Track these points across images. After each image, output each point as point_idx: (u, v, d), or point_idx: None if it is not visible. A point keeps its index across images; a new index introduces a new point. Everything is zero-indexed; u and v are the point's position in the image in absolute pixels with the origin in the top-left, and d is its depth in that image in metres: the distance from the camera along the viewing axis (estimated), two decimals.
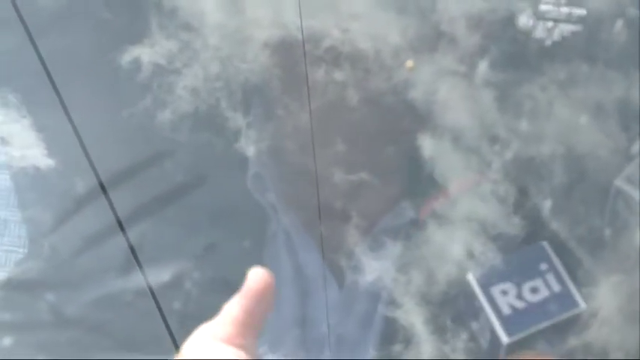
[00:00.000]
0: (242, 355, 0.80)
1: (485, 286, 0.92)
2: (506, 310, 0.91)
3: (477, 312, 0.93)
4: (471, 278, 0.92)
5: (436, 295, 0.93)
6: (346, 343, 1.02)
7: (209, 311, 0.87)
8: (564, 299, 0.92)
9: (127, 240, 0.86)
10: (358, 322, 1.03)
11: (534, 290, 0.92)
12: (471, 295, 0.92)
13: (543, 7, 0.96)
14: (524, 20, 0.96)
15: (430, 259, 0.93)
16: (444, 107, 0.94)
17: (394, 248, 0.97)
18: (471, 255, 0.92)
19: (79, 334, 0.98)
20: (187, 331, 0.87)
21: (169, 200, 1.00)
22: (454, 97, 0.94)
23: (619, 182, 0.91)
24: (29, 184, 1.03)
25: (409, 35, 0.94)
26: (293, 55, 0.93)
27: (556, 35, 0.96)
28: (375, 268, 0.97)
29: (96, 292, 0.97)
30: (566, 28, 0.95)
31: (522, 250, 0.93)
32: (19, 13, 0.85)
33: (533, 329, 0.91)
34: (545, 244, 0.93)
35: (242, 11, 0.96)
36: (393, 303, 0.94)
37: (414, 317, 0.93)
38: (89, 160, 0.83)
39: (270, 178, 1.05)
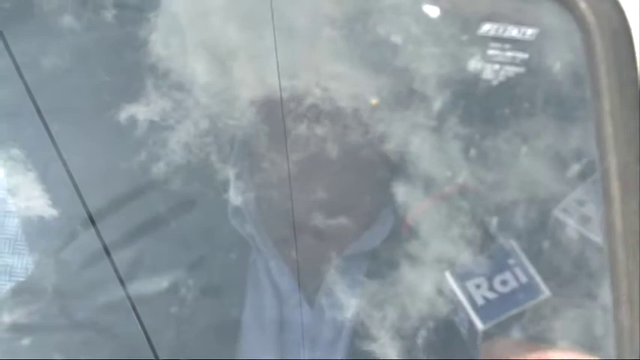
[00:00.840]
0: None
1: (461, 282, 1.02)
2: (480, 301, 1.01)
3: (456, 307, 1.03)
4: (449, 276, 1.02)
5: (409, 329, 1.02)
6: None
7: (202, 314, 0.97)
8: (531, 288, 1.02)
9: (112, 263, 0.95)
10: (328, 347, 1.12)
11: (504, 283, 1.02)
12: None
13: (490, 52, 1.06)
14: (473, 64, 1.06)
15: (403, 296, 1.02)
16: (416, 158, 1.03)
17: (370, 286, 1.07)
18: (440, 292, 1.01)
19: (89, 336, 1.08)
20: (183, 331, 1.00)
21: (164, 222, 1.09)
22: (425, 148, 1.03)
23: (556, 212, 1.03)
24: (35, 231, 1.13)
25: (384, 94, 1.03)
26: (276, 112, 1.01)
27: (502, 76, 1.07)
28: (352, 304, 1.07)
29: (102, 299, 1.06)
30: (511, 70, 1.07)
31: (493, 248, 1.04)
32: (20, 72, 0.94)
33: (504, 316, 1.01)
34: (512, 242, 1.03)
35: (229, 72, 1.05)
36: (368, 337, 1.03)
37: (389, 350, 1.02)
38: (82, 202, 0.92)
39: (252, 217, 1.15)
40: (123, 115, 1.08)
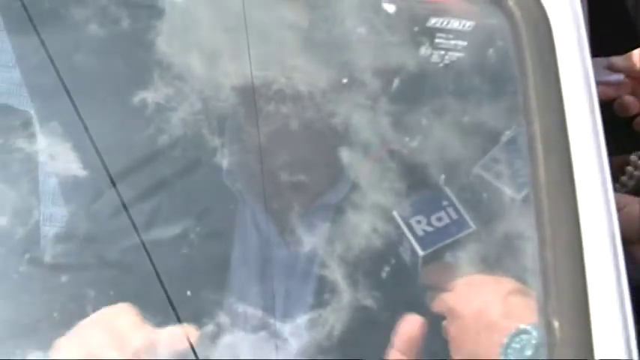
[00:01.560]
0: None
1: (405, 219, 1.26)
2: (420, 233, 1.25)
3: (401, 239, 1.26)
4: (395, 214, 1.26)
5: (366, 259, 1.27)
6: (291, 296, 1.35)
7: (208, 257, 1.23)
8: (460, 223, 1.25)
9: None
10: (300, 278, 1.37)
11: (439, 219, 1.25)
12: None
13: (437, 41, 1.29)
14: (423, 50, 1.30)
15: (361, 234, 1.27)
16: (357, 129, 1.29)
17: (324, 228, 1.34)
18: (375, 231, 1.26)
19: (115, 274, 1.30)
20: (192, 270, 1.24)
21: (171, 182, 1.35)
22: (363, 122, 1.28)
23: (477, 169, 1.26)
24: (70, 187, 1.36)
25: (333, 81, 1.28)
26: (251, 96, 1.27)
27: (446, 60, 1.30)
28: (311, 241, 1.34)
29: (124, 244, 1.29)
30: (454, 55, 1.30)
31: (430, 193, 1.27)
32: (54, 64, 1.17)
33: (439, 245, 1.24)
34: (446, 188, 1.26)
35: (216, 66, 1.30)
36: (323, 265, 1.29)
37: (336, 274, 1.27)
38: (105, 166, 1.16)
39: (240, 177, 1.38)
40: (136, 99, 1.31)
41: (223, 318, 1.24)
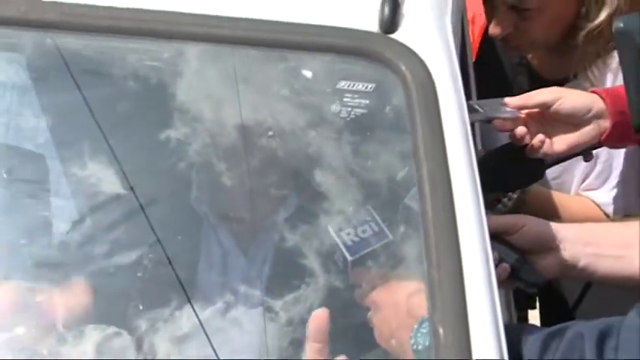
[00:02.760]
0: None
1: (337, 232, 1.49)
2: (349, 242, 1.48)
3: (335, 248, 1.48)
4: (330, 229, 1.49)
5: (306, 264, 1.50)
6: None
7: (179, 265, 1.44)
8: (380, 234, 1.48)
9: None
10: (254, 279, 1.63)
11: (364, 231, 1.48)
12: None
13: (345, 99, 1.50)
14: (334, 107, 1.50)
15: (304, 243, 1.51)
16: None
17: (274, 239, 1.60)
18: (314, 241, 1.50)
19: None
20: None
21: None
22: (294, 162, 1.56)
23: (406, 201, 1.46)
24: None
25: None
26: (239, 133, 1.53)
27: (352, 114, 1.51)
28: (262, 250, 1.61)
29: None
30: (359, 111, 1.50)
31: (357, 212, 1.50)
32: (90, 108, 1.46)
33: (364, 251, 1.47)
34: (370, 208, 1.49)
35: (220, 110, 1.53)
36: (282, 272, 1.57)
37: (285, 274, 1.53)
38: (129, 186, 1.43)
39: (208, 203, 1.64)
40: (162, 135, 1.54)
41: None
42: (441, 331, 1.24)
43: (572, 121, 1.87)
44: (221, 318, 1.48)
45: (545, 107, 1.85)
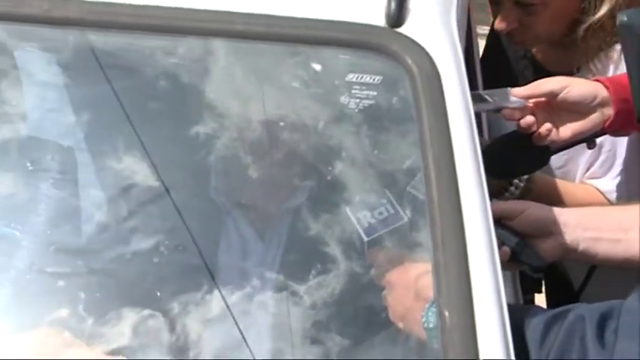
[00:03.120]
0: None
1: (355, 214, 1.54)
2: (365, 224, 1.53)
3: (352, 228, 1.53)
4: (348, 210, 1.54)
5: (325, 244, 1.57)
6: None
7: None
8: (396, 216, 1.52)
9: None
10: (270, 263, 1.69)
11: (380, 213, 1.53)
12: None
13: (353, 91, 1.53)
14: (343, 98, 1.54)
15: (321, 226, 1.58)
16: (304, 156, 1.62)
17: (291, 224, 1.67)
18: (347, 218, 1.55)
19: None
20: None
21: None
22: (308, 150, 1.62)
23: (409, 188, 1.53)
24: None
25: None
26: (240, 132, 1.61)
27: (360, 106, 1.54)
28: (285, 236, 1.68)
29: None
30: (366, 102, 1.54)
31: (374, 195, 1.55)
32: (123, 106, 1.53)
33: (381, 232, 1.52)
34: (386, 190, 1.53)
35: (244, 107, 1.61)
36: (297, 251, 1.64)
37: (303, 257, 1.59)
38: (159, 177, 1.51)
39: (227, 192, 1.70)
40: (192, 130, 1.61)
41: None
42: (446, 313, 1.27)
43: (578, 109, 1.91)
44: (247, 302, 1.54)
45: (552, 96, 1.89)
